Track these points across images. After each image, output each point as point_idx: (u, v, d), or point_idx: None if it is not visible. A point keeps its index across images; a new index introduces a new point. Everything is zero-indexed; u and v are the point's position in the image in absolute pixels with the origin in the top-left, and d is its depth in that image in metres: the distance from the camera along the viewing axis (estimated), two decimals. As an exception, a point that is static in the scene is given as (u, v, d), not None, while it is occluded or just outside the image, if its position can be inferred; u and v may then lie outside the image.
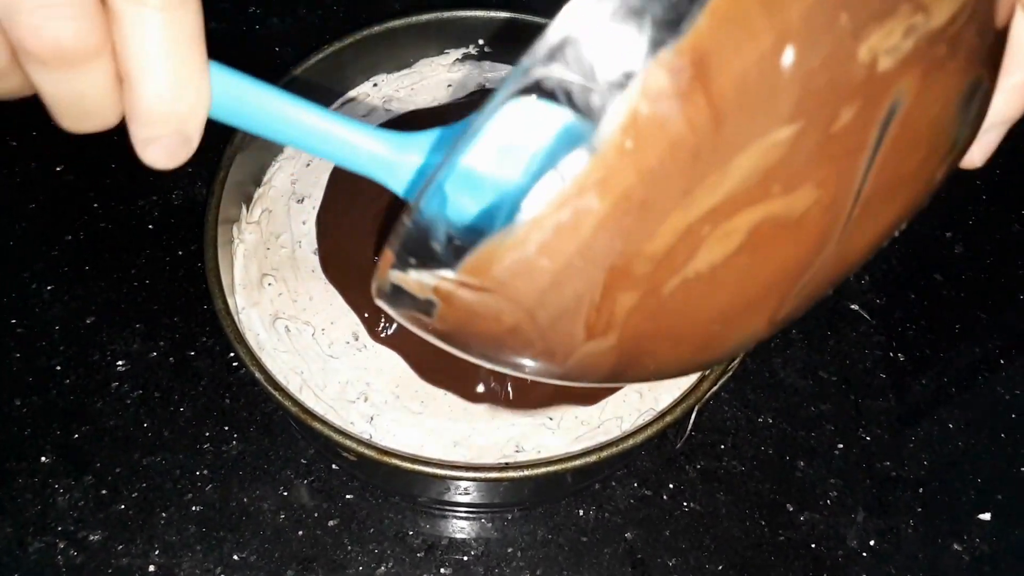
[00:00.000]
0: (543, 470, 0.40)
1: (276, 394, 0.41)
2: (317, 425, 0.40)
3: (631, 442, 0.41)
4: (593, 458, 0.40)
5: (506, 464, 0.42)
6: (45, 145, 0.59)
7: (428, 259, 0.22)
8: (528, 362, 0.25)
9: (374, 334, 0.45)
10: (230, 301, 0.44)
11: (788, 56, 0.19)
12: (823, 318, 0.56)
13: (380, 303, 0.25)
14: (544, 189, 0.20)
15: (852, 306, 0.57)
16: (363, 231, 0.47)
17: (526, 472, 0.40)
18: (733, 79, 0.19)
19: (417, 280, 0.23)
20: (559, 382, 0.27)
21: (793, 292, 0.24)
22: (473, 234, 0.21)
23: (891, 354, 0.55)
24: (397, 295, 0.24)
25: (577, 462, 0.40)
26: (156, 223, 0.57)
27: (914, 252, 0.60)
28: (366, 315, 0.45)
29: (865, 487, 0.51)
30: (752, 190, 0.20)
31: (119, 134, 0.60)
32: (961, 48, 0.21)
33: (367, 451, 0.40)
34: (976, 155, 0.27)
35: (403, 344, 0.45)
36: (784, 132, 0.20)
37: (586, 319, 0.22)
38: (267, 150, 0.52)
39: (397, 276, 0.23)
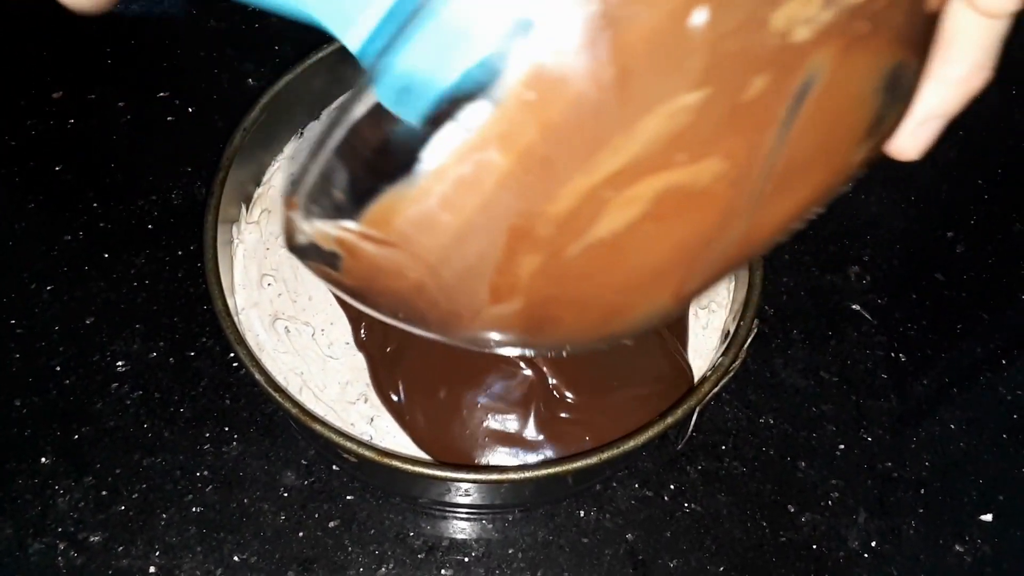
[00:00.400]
0: (544, 472, 0.40)
1: (276, 395, 0.41)
2: (317, 427, 0.40)
3: (632, 443, 0.41)
4: (594, 459, 0.40)
5: (507, 466, 0.42)
6: (44, 144, 0.59)
7: (331, 208, 0.22)
8: (435, 323, 0.25)
9: (357, 340, 0.45)
10: (230, 301, 0.44)
11: (700, 16, 0.18)
12: (824, 318, 0.56)
13: (292, 253, 0.25)
14: (446, 139, 0.19)
15: (853, 306, 0.57)
16: None
17: (527, 474, 0.40)
18: (642, 35, 0.18)
19: (321, 230, 0.23)
20: (469, 347, 0.26)
21: (699, 266, 0.23)
22: (374, 181, 0.21)
23: (892, 354, 0.55)
24: (305, 246, 0.23)
25: (578, 463, 0.40)
26: (156, 223, 0.57)
27: (915, 252, 0.59)
28: (361, 323, 0.45)
29: (866, 488, 0.51)
30: (657, 156, 0.20)
31: (117, 134, 0.60)
32: (884, 26, 0.21)
33: (368, 453, 0.40)
34: (910, 147, 0.26)
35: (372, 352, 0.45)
36: (692, 97, 0.19)
37: (490, 280, 0.22)
38: (267, 150, 0.51)
39: (302, 224, 0.23)
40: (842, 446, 0.52)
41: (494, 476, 0.40)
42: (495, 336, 0.25)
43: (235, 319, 0.43)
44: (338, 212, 0.22)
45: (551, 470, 0.40)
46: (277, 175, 0.52)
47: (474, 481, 0.40)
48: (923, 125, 0.25)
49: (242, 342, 0.42)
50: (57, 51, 0.63)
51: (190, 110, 0.61)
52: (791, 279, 0.58)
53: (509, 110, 0.19)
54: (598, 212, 0.21)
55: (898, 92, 0.23)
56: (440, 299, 0.23)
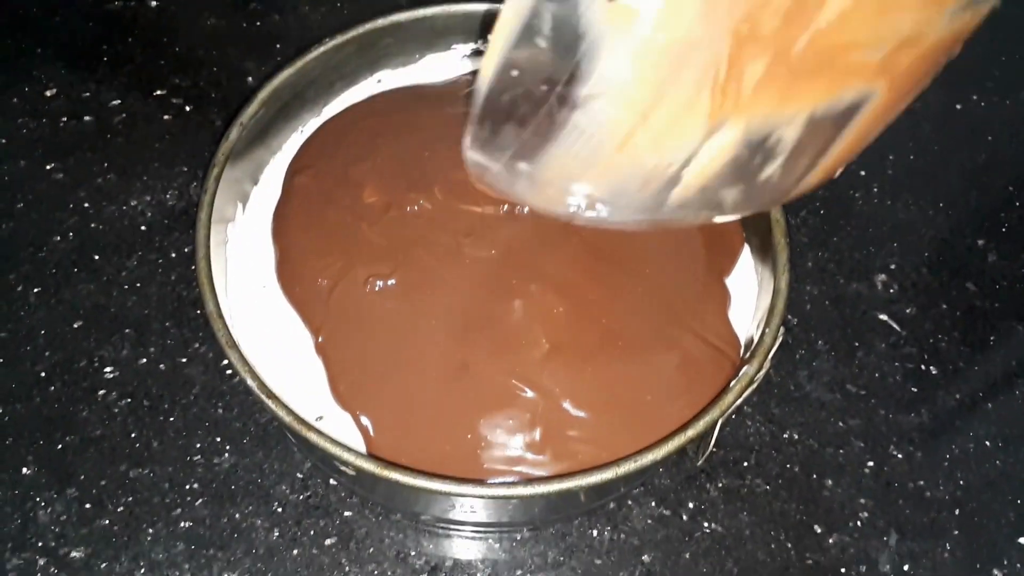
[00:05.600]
0: (555, 487, 0.37)
1: (270, 403, 0.38)
2: (313, 436, 0.37)
3: (650, 457, 0.38)
4: (609, 474, 0.37)
5: (515, 481, 0.39)
6: (35, 143, 0.57)
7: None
8: (636, 191, 0.25)
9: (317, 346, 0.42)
10: (223, 304, 0.41)
11: None
12: (850, 329, 0.53)
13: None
14: None
15: (880, 316, 0.54)
16: (320, 241, 0.44)
17: (537, 489, 0.37)
18: None
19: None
20: (668, 222, 0.27)
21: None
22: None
23: (922, 367, 0.52)
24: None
25: (592, 478, 0.37)
26: (149, 224, 0.54)
27: (945, 261, 0.57)
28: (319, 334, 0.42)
29: (897, 508, 0.48)
30: None
31: (111, 133, 0.57)
32: None
33: (366, 465, 0.37)
34: None
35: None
36: None
37: (709, 105, 0.21)
38: (266, 148, 0.49)
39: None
40: (871, 463, 0.49)
41: (502, 491, 0.37)
42: (708, 187, 0.25)
43: (227, 323, 0.41)
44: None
45: (563, 485, 0.37)
46: (275, 174, 0.49)
47: (480, 496, 0.37)
48: None
49: (234, 346, 0.40)
50: (51, 49, 0.61)
51: (187, 109, 0.59)
52: (815, 287, 0.55)
53: None
54: None
55: None
56: (647, 155, 0.23)
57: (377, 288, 0.43)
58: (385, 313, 0.43)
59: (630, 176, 0.27)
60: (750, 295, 0.46)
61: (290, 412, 0.38)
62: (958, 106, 0.64)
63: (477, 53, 0.54)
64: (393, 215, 0.45)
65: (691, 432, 0.39)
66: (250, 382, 0.39)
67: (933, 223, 0.58)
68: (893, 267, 0.56)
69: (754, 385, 0.40)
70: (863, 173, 0.60)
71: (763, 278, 0.45)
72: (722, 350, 0.43)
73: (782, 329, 0.41)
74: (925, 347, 0.53)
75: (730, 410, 0.40)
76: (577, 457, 0.40)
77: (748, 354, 0.41)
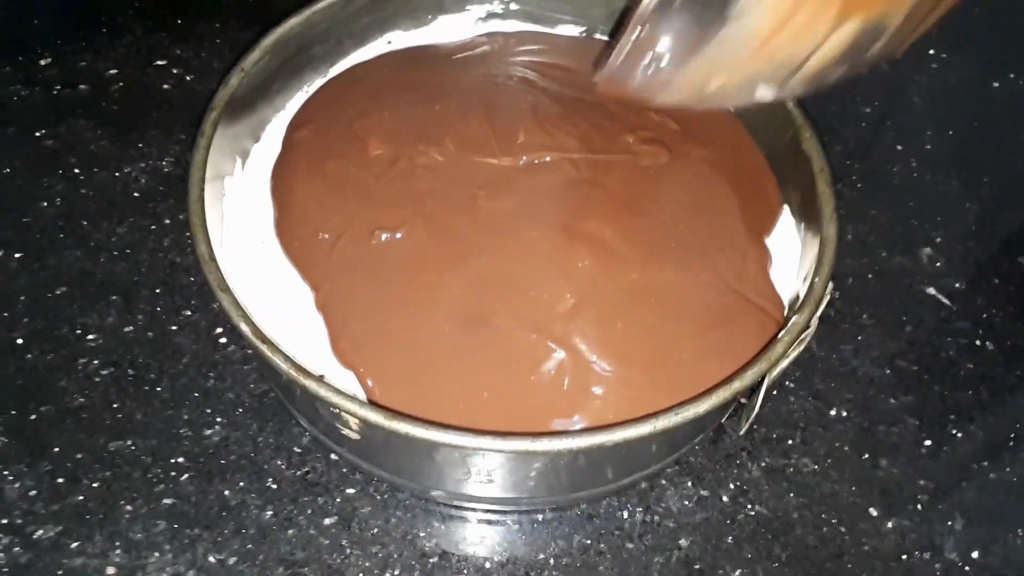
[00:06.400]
0: (587, 440, 0.33)
1: (264, 347, 0.34)
2: (311, 384, 0.33)
3: (692, 410, 0.34)
4: (647, 428, 0.33)
5: (542, 432, 0.35)
6: (26, 111, 0.54)
7: None
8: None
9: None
10: (218, 255, 0.37)
11: None
12: (896, 302, 0.49)
13: None
14: None
15: (928, 290, 0.50)
16: (321, 195, 0.41)
17: (566, 442, 0.32)
18: None
19: None
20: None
21: None
22: None
23: (977, 342, 0.48)
24: None
25: (628, 432, 0.33)
26: (143, 191, 0.51)
27: (992, 234, 0.53)
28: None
29: (961, 491, 0.43)
30: None
31: (107, 101, 0.54)
32: None
33: (373, 415, 0.33)
34: None
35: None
36: None
37: (839, 6, 0.25)
38: (269, 104, 0.46)
39: None
40: (928, 442, 0.44)
41: (527, 444, 0.32)
42: (824, 68, 0.30)
43: (221, 270, 0.37)
44: None
45: (595, 439, 0.33)
46: (278, 132, 0.46)
47: (501, 451, 0.33)
48: None
49: (227, 289, 0.36)
50: (48, 19, 0.59)
51: (188, 79, 0.56)
52: (855, 261, 0.51)
53: None
54: None
55: None
56: (783, 51, 0.28)
57: (384, 240, 0.40)
58: (392, 267, 0.39)
59: (764, 70, 0.31)
60: (792, 256, 0.42)
61: (286, 358, 0.34)
62: (996, 83, 0.61)
63: (492, 15, 0.51)
64: (401, 168, 0.42)
65: (738, 384, 0.34)
66: (243, 327, 0.34)
67: (977, 196, 0.54)
68: (938, 240, 0.52)
69: (805, 339, 0.36)
70: (899, 147, 0.57)
71: (806, 237, 0.42)
72: (764, 309, 0.39)
73: (831, 284, 0.37)
74: (979, 322, 0.49)
75: (780, 365, 0.35)
76: (607, 417, 0.36)
77: (795, 309, 0.37)
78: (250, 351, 0.45)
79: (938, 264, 0.51)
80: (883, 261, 0.51)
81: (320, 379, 0.33)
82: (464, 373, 0.37)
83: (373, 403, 0.35)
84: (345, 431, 0.37)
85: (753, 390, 0.37)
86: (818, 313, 0.37)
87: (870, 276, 0.50)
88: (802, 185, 0.42)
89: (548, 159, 0.43)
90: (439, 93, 0.46)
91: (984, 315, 0.49)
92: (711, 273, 0.40)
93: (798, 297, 0.39)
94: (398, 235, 0.40)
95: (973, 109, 0.59)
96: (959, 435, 0.45)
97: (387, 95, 0.46)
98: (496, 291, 0.38)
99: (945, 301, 0.50)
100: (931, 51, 0.62)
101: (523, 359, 0.37)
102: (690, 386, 0.36)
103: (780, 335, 0.36)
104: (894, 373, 0.47)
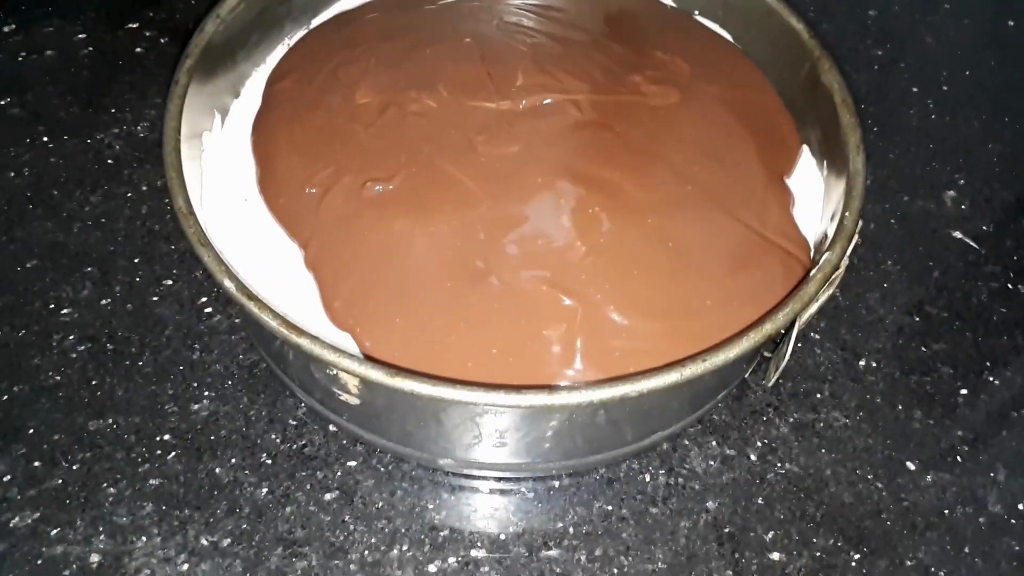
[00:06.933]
0: (610, 392, 0.30)
1: (251, 305, 0.31)
2: (305, 342, 0.30)
3: (722, 356, 0.31)
4: (674, 376, 0.30)
5: (559, 386, 0.32)
6: (-11, 79, 0.51)
7: None
8: None
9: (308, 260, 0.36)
10: (197, 212, 0.34)
11: None
12: (921, 248, 0.47)
13: None
14: None
15: (955, 234, 0.47)
16: (306, 147, 0.38)
17: (587, 394, 0.30)
18: None
19: None
20: None
21: None
22: None
23: (1009, 286, 0.45)
24: None
25: (653, 382, 0.30)
26: (117, 158, 0.48)
27: (1018, 175, 0.50)
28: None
29: (1001, 440, 0.40)
30: None
31: (76, 67, 0.51)
32: None
33: (375, 374, 0.30)
34: None
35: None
36: None
37: None
38: (248, 59, 0.43)
39: None
40: (964, 391, 0.42)
41: (544, 397, 0.30)
42: None
43: (200, 225, 0.33)
44: None
45: (618, 390, 0.30)
46: (259, 87, 0.43)
47: (516, 407, 0.30)
48: None
49: (207, 244, 0.32)
50: (11, -16, 0.55)
51: (162, 41, 0.53)
52: (876, 206, 0.48)
53: None
54: None
55: None
56: None
57: (376, 192, 0.37)
58: (386, 220, 0.36)
59: None
60: (814, 197, 0.40)
61: (276, 315, 0.31)
62: (1010, 22, 0.58)
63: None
64: (391, 116, 0.39)
65: (770, 327, 0.32)
66: (227, 283, 0.31)
67: (999, 137, 0.52)
68: (962, 183, 0.49)
69: (838, 277, 0.33)
70: (915, 89, 0.54)
71: (829, 176, 0.39)
72: (789, 251, 0.37)
73: (861, 221, 0.34)
74: (1009, 265, 0.46)
75: (812, 307, 0.33)
76: (627, 370, 0.33)
77: (824, 248, 0.35)
78: (237, 319, 0.42)
79: (963, 207, 0.48)
80: (905, 206, 0.48)
81: (312, 336, 0.30)
82: (470, 330, 0.34)
83: (373, 359, 0.33)
84: (344, 396, 0.34)
85: (779, 340, 0.34)
86: (849, 250, 0.34)
87: (892, 221, 0.48)
88: (822, 120, 0.40)
89: (549, 101, 0.40)
90: (430, 38, 0.43)
91: (1015, 257, 0.47)
92: (731, 216, 0.37)
93: (825, 238, 0.36)
94: (391, 186, 0.37)
95: (989, 49, 0.56)
96: (996, 382, 0.42)
97: (374, 42, 0.43)
98: (500, 241, 0.35)
99: (973, 244, 0.47)
100: (941, -9, 0.60)
101: (533, 313, 0.34)
102: (715, 334, 0.33)
103: (812, 273, 0.33)
104: (923, 320, 0.44)
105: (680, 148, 0.39)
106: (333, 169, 0.37)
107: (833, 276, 0.33)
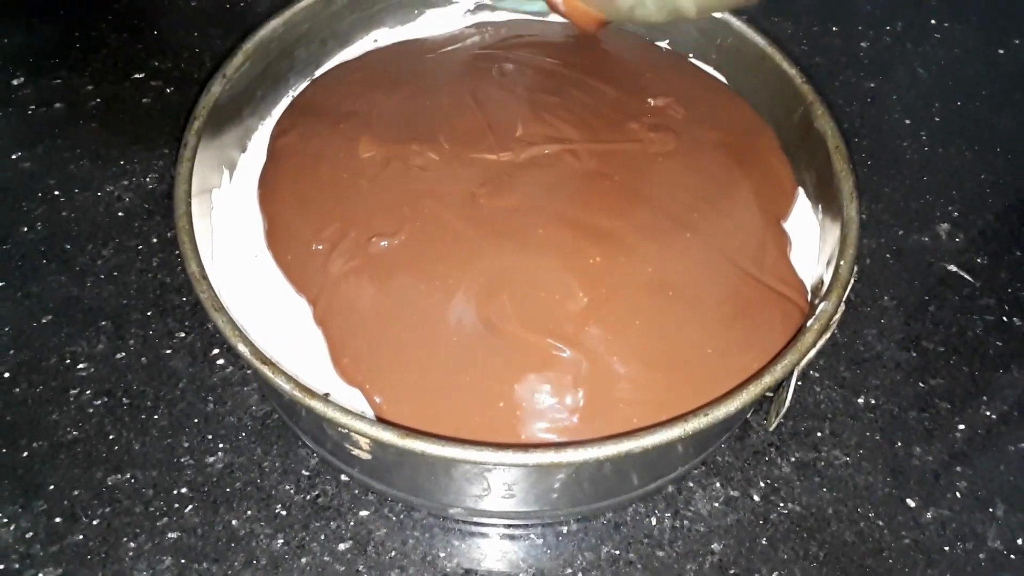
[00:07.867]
0: (615, 448, 0.31)
1: (265, 369, 0.32)
2: (317, 404, 0.31)
3: (723, 410, 0.32)
4: (677, 431, 0.31)
5: (564, 442, 0.33)
6: (2, 132, 0.52)
7: None
8: None
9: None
10: (209, 272, 0.35)
11: None
12: (917, 282, 0.48)
13: None
14: None
15: (950, 267, 0.48)
16: (312, 203, 0.39)
17: (593, 451, 0.30)
18: None
19: None
20: None
21: None
22: None
23: (1004, 319, 0.46)
24: None
25: (655, 438, 0.31)
26: (127, 210, 0.49)
27: (1011, 206, 0.51)
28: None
29: (1000, 475, 0.41)
30: None
31: (85, 119, 0.52)
32: None
33: (385, 435, 0.31)
34: None
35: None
36: None
37: None
38: (254, 113, 0.44)
39: None
40: (962, 426, 0.43)
41: (551, 456, 0.30)
42: None
43: (213, 289, 0.34)
44: None
45: (621, 446, 0.31)
46: (265, 141, 0.44)
47: (523, 465, 0.31)
48: None
49: (221, 309, 0.33)
50: (18, 38, 0.56)
51: (168, 91, 0.54)
52: (872, 240, 0.49)
53: None
54: None
55: None
56: None
57: (382, 247, 0.37)
58: (392, 275, 0.37)
59: None
60: (810, 240, 0.41)
61: (289, 378, 0.32)
62: (1000, 51, 0.59)
63: (481, 7, 0.49)
64: (395, 169, 0.40)
65: (768, 379, 0.33)
66: (241, 348, 0.32)
67: (992, 168, 0.53)
68: (956, 215, 0.50)
69: (834, 325, 0.34)
70: (908, 121, 0.55)
71: (824, 219, 0.40)
72: (787, 296, 0.37)
73: (856, 268, 0.35)
74: (1004, 298, 0.47)
75: (810, 354, 0.33)
76: (631, 421, 0.34)
77: (820, 295, 0.36)
78: (249, 372, 0.43)
79: (957, 240, 0.49)
80: (900, 240, 0.49)
81: (326, 398, 0.31)
82: (476, 384, 0.35)
83: (383, 421, 0.33)
84: (355, 451, 0.35)
85: (780, 383, 0.35)
86: (844, 297, 0.35)
87: (888, 256, 0.49)
88: (816, 165, 0.41)
89: (549, 151, 0.41)
90: (429, 88, 0.44)
91: (1009, 290, 0.47)
92: (729, 262, 0.38)
93: (821, 282, 0.37)
94: (396, 241, 0.38)
95: (980, 78, 0.57)
96: (993, 416, 0.43)
97: (375, 93, 0.44)
98: (503, 294, 0.36)
99: (968, 278, 0.48)
100: (932, 21, 0.61)
101: (538, 365, 0.35)
102: (717, 383, 0.34)
103: (809, 323, 0.34)
104: (920, 355, 0.45)
105: (678, 194, 0.40)
106: (339, 224, 0.38)
107: (830, 322, 0.34)
